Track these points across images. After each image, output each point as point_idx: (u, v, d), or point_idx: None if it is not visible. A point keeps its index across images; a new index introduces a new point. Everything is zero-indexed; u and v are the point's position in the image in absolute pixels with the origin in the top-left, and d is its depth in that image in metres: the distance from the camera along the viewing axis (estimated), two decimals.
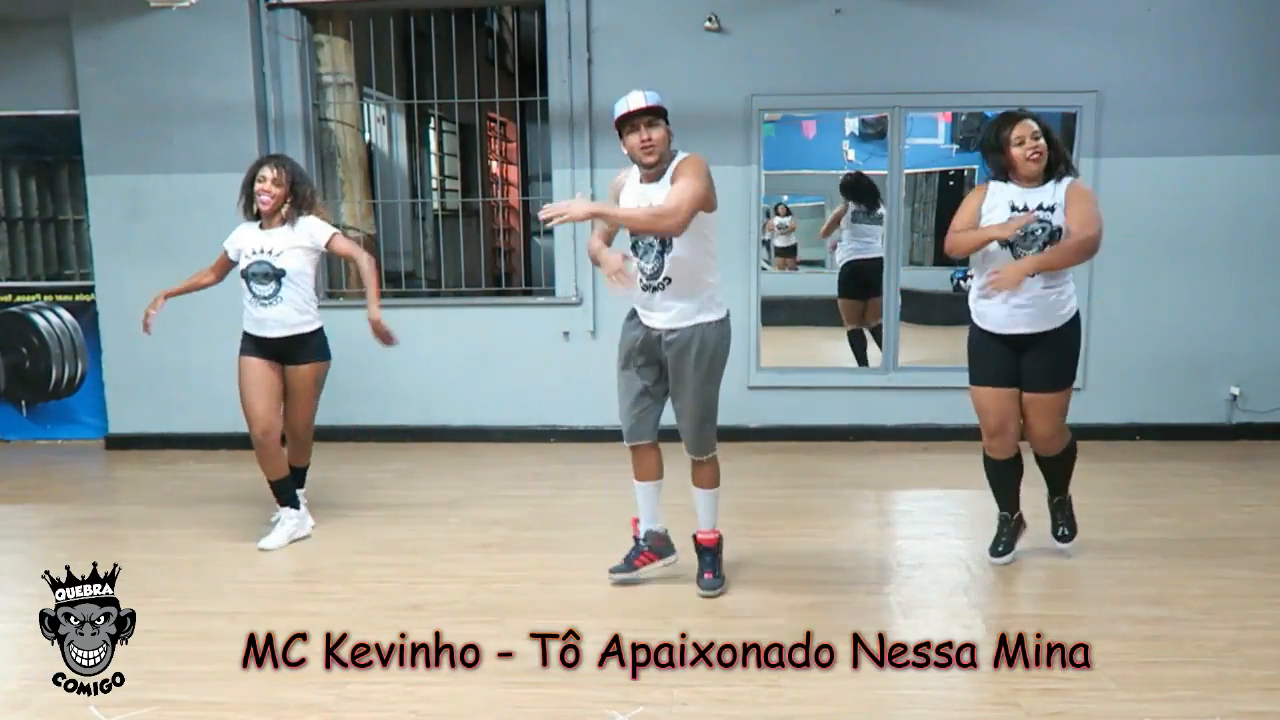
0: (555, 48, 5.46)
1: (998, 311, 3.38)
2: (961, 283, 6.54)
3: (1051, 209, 3.31)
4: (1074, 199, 3.30)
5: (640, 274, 3.23)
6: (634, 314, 3.36)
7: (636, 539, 3.54)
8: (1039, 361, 3.40)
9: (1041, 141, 3.30)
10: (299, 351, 3.89)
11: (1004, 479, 3.62)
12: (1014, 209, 3.33)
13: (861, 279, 5.81)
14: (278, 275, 3.80)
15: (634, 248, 3.26)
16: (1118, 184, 5.32)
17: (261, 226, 3.86)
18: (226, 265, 4.01)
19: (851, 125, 6.17)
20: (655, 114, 3.16)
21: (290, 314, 3.84)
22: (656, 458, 3.46)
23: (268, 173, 3.79)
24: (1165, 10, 5.27)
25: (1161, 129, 5.31)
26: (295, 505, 4.01)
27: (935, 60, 5.35)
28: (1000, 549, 3.64)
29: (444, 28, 5.73)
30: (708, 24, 5.33)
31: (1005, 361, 3.44)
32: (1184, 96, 5.29)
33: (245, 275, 3.83)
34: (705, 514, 3.45)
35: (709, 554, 3.43)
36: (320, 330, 3.95)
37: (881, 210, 5.74)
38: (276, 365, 3.89)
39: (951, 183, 6.38)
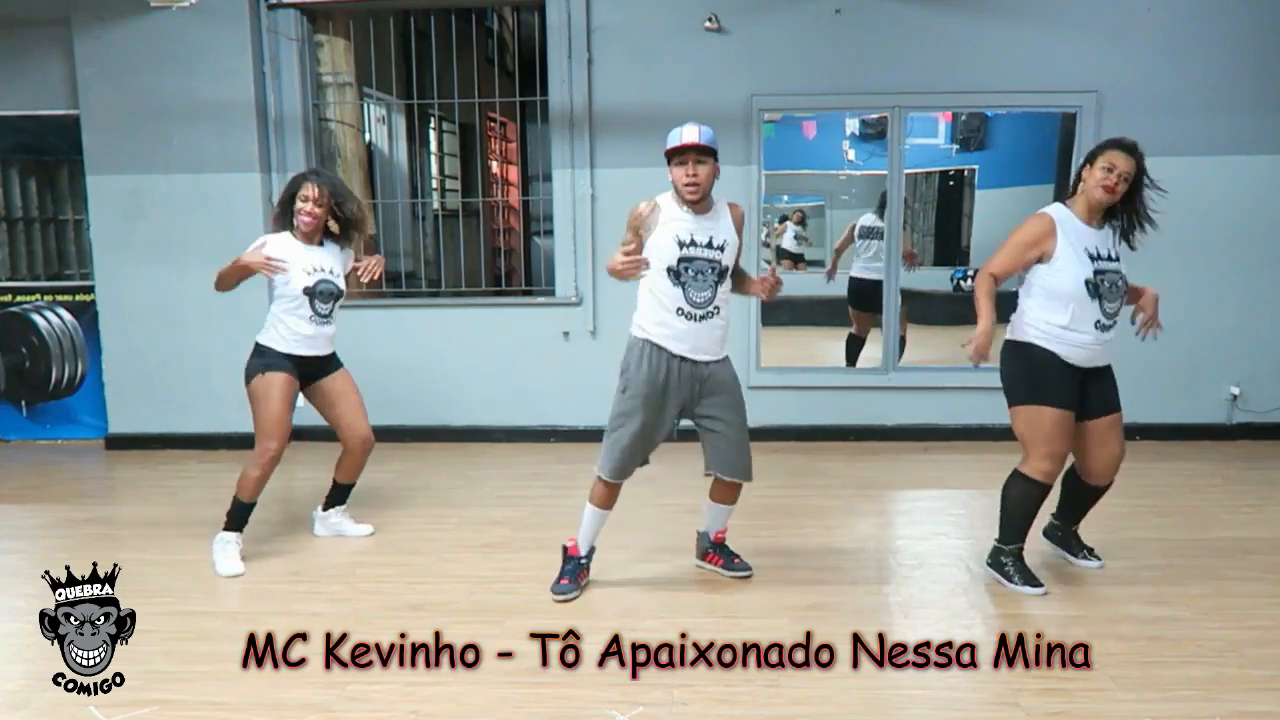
0: (555, 48, 5.46)
1: (1085, 347, 3.27)
2: (961, 282, 6.56)
3: (1119, 258, 3.29)
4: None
5: (688, 304, 3.23)
6: (654, 350, 3.27)
7: (579, 558, 3.46)
8: (1105, 383, 3.38)
9: (1124, 186, 3.18)
10: (329, 361, 3.88)
11: (1038, 508, 3.41)
12: (1091, 257, 3.21)
13: (872, 293, 5.78)
14: (337, 295, 3.78)
15: (678, 275, 3.21)
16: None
17: (303, 243, 3.75)
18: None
19: (851, 125, 6.18)
20: (706, 152, 3.16)
21: (333, 330, 3.86)
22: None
23: (310, 191, 3.69)
24: (1165, 10, 5.27)
25: (1161, 129, 5.30)
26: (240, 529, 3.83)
27: (935, 60, 5.35)
28: (1034, 577, 3.42)
29: (444, 28, 5.73)
30: (708, 24, 5.33)
31: (1074, 387, 3.31)
32: (1184, 96, 5.29)
33: (312, 293, 3.70)
34: (724, 519, 3.58)
35: (726, 547, 3.62)
36: None
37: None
38: (297, 384, 3.81)
39: (951, 183, 6.39)
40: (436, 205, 8.18)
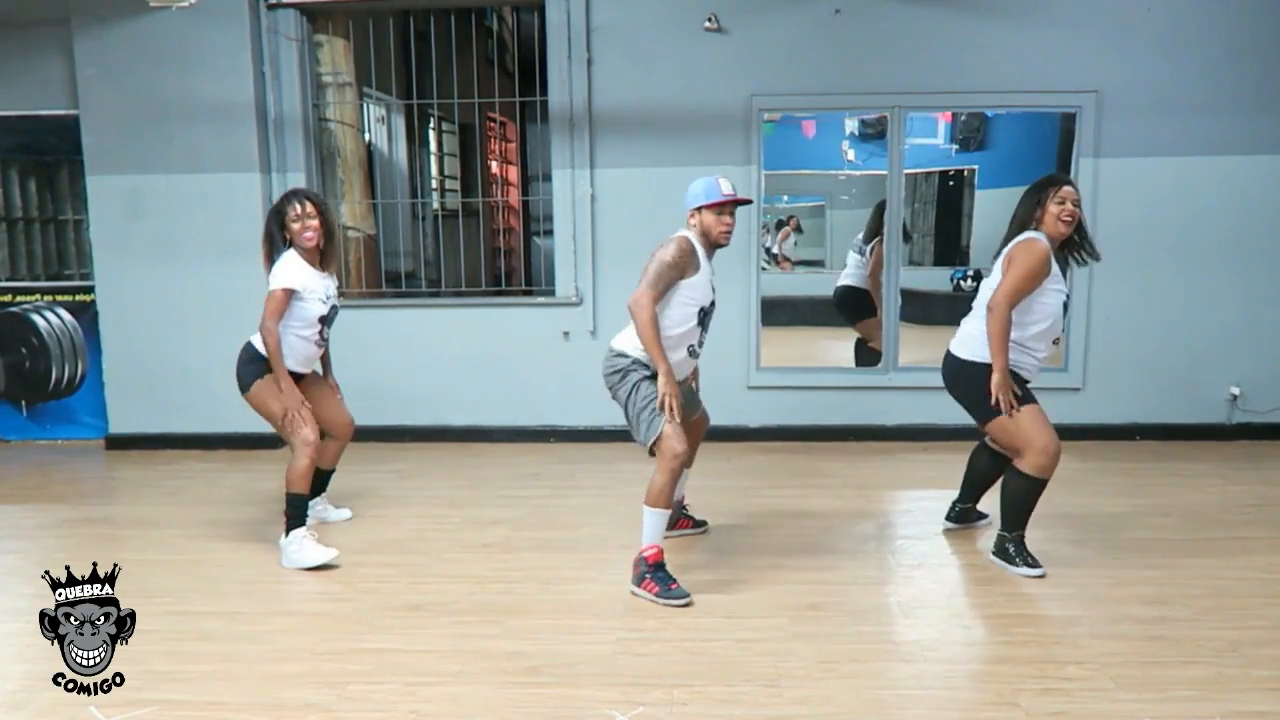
0: (555, 48, 5.46)
1: (1038, 361, 3.57)
2: (961, 282, 6.56)
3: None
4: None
5: (699, 345, 3.57)
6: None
7: (662, 563, 3.41)
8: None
9: (1079, 210, 3.44)
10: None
11: (1038, 499, 3.61)
12: (1059, 282, 3.47)
13: (851, 306, 5.89)
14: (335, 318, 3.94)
15: (705, 316, 3.52)
16: (1118, 184, 5.33)
17: (310, 264, 3.79)
18: (285, 306, 3.72)
19: (851, 125, 6.18)
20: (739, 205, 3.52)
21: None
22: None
23: (300, 208, 3.72)
24: (1165, 10, 5.27)
25: (1161, 129, 5.31)
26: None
27: (935, 60, 5.35)
28: (1036, 562, 3.56)
29: (444, 28, 5.73)
30: (708, 24, 5.33)
31: None
32: (1184, 96, 5.29)
33: (325, 320, 3.84)
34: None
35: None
36: None
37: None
38: None
39: (951, 183, 6.38)
40: (436, 205, 8.18)
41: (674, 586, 3.32)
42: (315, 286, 3.78)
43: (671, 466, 3.30)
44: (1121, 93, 5.30)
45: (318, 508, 4.20)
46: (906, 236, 5.74)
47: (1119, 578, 3.50)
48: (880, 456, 5.34)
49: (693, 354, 3.54)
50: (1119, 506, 4.31)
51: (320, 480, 4.15)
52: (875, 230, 5.81)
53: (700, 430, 3.87)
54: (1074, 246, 3.54)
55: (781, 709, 2.61)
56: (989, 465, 3.83)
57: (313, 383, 3.99)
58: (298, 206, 3.72)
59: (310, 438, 3.73)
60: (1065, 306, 3.51)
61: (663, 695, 2.68)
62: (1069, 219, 3.41)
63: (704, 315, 3.49)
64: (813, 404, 5.66)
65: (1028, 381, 3.54)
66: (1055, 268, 3.43)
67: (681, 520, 3.95)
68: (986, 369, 3.43)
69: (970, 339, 3.56)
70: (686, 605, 3.27)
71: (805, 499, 4.57)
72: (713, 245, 3.49)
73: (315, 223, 3.72)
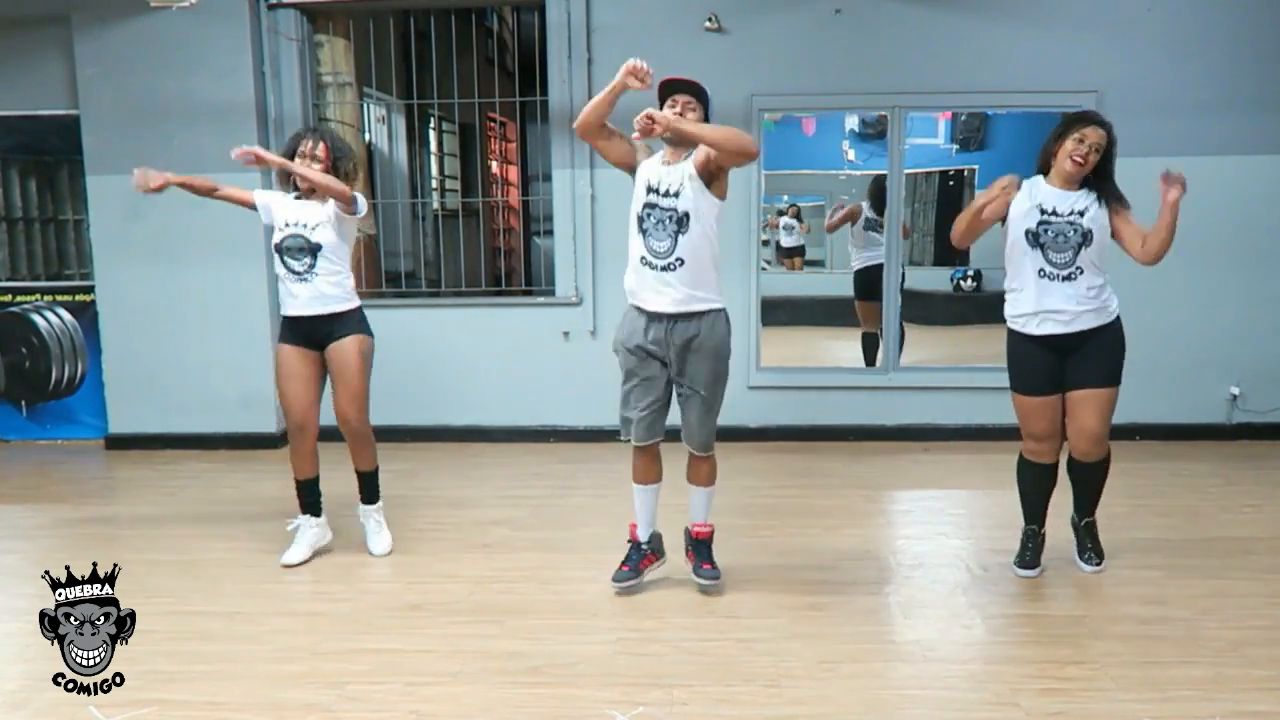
0: (555, 48, 5.46)
1: (1035, 308, 3.35)
2: (961, 282, 6.56)
3: (1083, 213, 3.32)
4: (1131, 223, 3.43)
5: (649, 253, 3.18)
6: (631, 309, 3.32)
7: (638, 543, 3.44)
8: (1091, 357, 3.39)
9: (1096, 156, 3.29)
10: (337, 326, 3.70)
11: (1042, 488, 3.53)
12: (1043, 211, 3.29)
13: (878, 283, 5.80)
14: (313, 250, 3.64)
15: (641, 222, 3.19)
16: (1117, 184, 5.32)
17: (298, 199, 3.74)
18: (242, 200, 3.85)
19: (852, 125, 6.18)
20: (697, 97, 3.15)
21: (326, 288, 3.66)
22: (659, 458, 3.44)
23: (308, 145, 3.67)
24: (1165, 10, 5.27)
25: (1161, 129, 5.31)
26: (317, 512, 3.86)
27: (935, 60, 5.34)
28: (1029, 560, 3.54)
29: (444, 28, 5.73)
30: (708, 24, 5.33)
31: (1051, 366, 3.40)
32: (1184, 96, 5.29)
33: (279, 249, 3.65)
34: (701, 509, 3.44)
35: (705, 546, 3.43)
36: (360, 309, 3.79)
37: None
38: (314, 354, 3.71)
39: (951, 183, 6.39)
40: (436, 205, 8.18)
41: (623, 568, 3.40)
42: (280, 213, 3.72)
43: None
44: (1122, 93, 5.30)
45: (362, 518, 3.94)
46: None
47: (1119, 578, 3.50)
48: (880, 456, 5.34)
49: (649, 265, 3.17)
50: (1119, 506, 4.30)
51: (359, 482, 3.91)
52: (877, 201, 5.80)
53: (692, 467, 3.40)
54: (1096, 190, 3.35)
55: (781, 709, 2.61)
56: (1078, 472, 3.58)
57: (333, 352, 3.71)
58: (309, 143, 3.69)
59: (293, 421, 3.73)
60: (1033, 236, 3.28)
61: (663, 695, 2.68)
62: (1079, 159, 3.25)
63: (639, 222, 3.20)
64: (813, 404, 5.66)
65: (1042, 339, 3.36)
66: (1024, 199, 3.31)
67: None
68: (1008, 336, 3.48)
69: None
70: (619, 591, 3.36)
71: (805, 499, 4.57)
72: (670, 142, 3.19)
73: (319, 166, 3.67)
